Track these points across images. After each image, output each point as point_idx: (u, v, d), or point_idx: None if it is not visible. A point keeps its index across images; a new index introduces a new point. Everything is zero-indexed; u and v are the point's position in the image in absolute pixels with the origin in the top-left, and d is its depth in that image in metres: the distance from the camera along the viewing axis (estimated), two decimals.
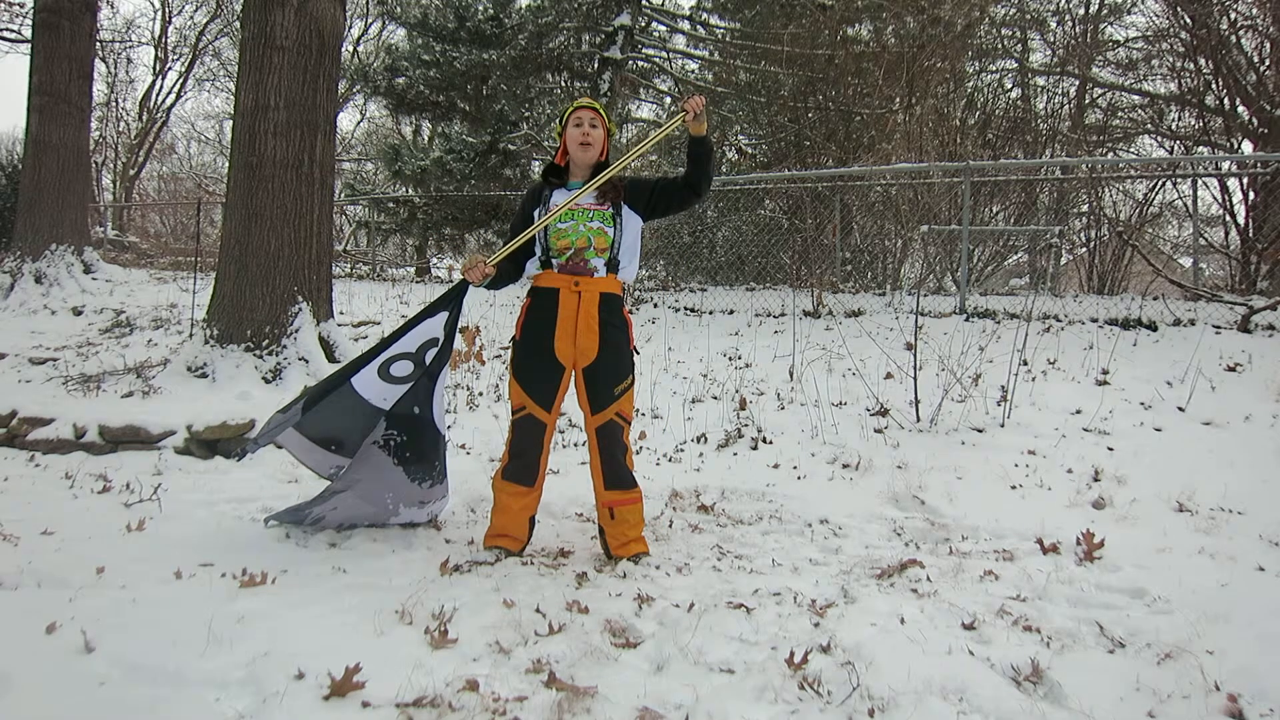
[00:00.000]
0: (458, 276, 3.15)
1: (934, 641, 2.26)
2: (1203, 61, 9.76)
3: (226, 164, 9.69)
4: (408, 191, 12.31)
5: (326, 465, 3.23)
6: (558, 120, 3.19)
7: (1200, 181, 8.50)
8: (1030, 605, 2.58)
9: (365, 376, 3.06)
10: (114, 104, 24.44)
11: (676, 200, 3.12)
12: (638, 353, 3.15)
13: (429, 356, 3.06)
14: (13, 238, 8.84)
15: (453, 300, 3.08)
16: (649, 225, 3.41)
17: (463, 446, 4.57)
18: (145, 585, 2.51)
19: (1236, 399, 4.63)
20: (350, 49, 22.91)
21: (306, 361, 5.15)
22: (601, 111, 3.13)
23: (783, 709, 1.93)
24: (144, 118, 24.68)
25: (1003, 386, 4.68)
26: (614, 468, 3.03)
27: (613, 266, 3.03)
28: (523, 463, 3.03)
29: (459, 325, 3.13)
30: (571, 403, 3.21)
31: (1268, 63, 9.65)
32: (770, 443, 4.58)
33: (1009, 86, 12.25)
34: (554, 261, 3.01)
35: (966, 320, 6.25)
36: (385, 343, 3.09)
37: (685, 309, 7.48)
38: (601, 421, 3.01)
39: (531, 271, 3.11)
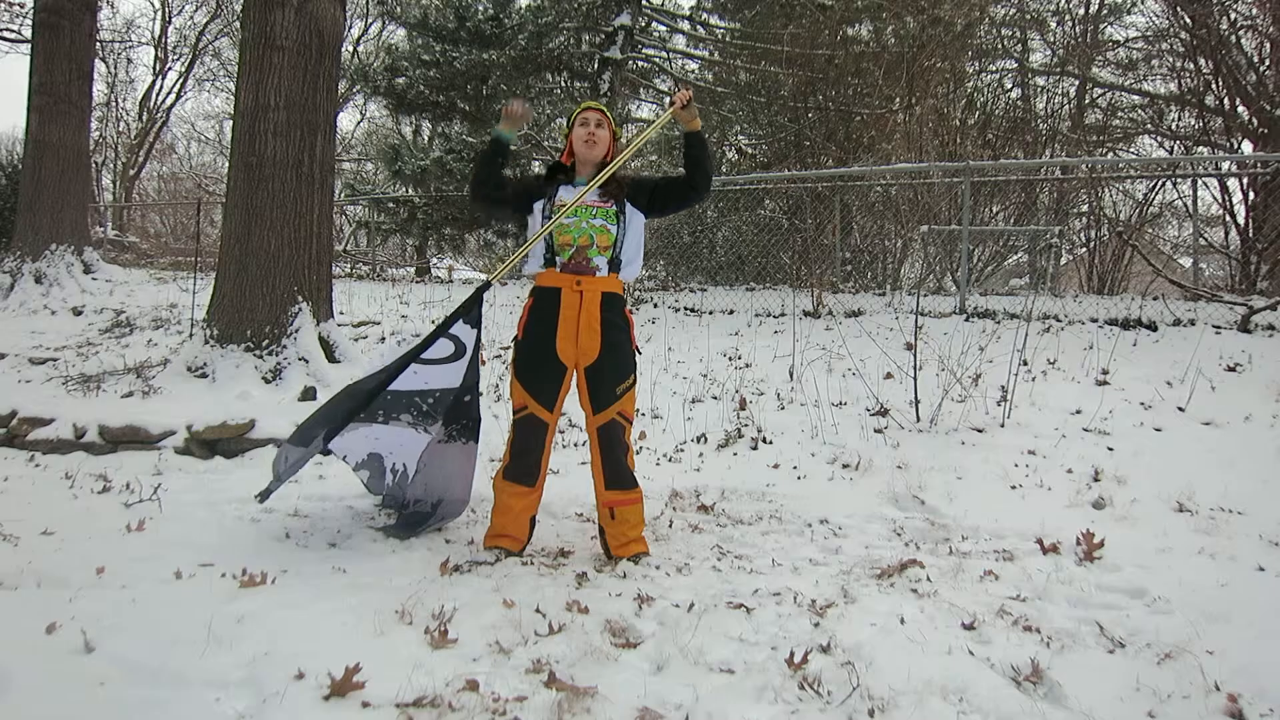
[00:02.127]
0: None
1: (934, 641, 2.26)
2: (1203, 61, 9.75)
3: (226, 164, 9.69)
4: (408, 191, 12.30)
5: (306, 456, 3.13)
6: (565, 119, 3.21)
7: (1200, 181, 8.52)
8: (1030, 605, 2.58)
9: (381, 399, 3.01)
10: (114, 104, 24.47)
11: (676, 198, 3.16)
12: (639, 352, 3.16)
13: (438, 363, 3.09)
14: (13, 238, 8.84)
15: (471, 308, 3.10)
16: (649, 225, 3.44)
17: None
18: (145, 585, 2.51)
19: (1236, 399, 4.63)
20: (350, 49, 22.91)
21: (306, 361, 5.15)
22: (608, 114, 3.17)
23: (783, 709, 1.93)
24: (144, 118, 24.68)
25: (1003, 386, 4.68)
26: (615, 468, 3.03)
27: (615, 265, 3.03)
28: (524, 463, 3.04)
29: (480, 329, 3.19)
30: (571, 402, 3.21)
31: (1268, 63, 9.64)
32: (770, 443, 4.58)
33: (1009, 86, 12.27)
34: (556, 260, 3.02)
35: (966, 320, 6.25)
36: (402, 364, 3.00)
37: (685, 309, 7.47)
38: (603, 421, 3.01)
39: (534, 270, 3.11)
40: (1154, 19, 11.34)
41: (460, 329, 3.09)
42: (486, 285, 3.13)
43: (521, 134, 11.17)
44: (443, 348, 3.08)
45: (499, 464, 3.16)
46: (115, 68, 24.38)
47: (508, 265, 3.06)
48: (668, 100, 3.09)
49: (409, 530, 3.19)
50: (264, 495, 3.05)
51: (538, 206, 3.09)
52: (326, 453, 3.06)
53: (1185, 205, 9.02)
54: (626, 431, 3.07)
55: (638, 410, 4.85)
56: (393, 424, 3.07)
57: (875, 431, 4.61)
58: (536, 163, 11.90)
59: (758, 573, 2.90)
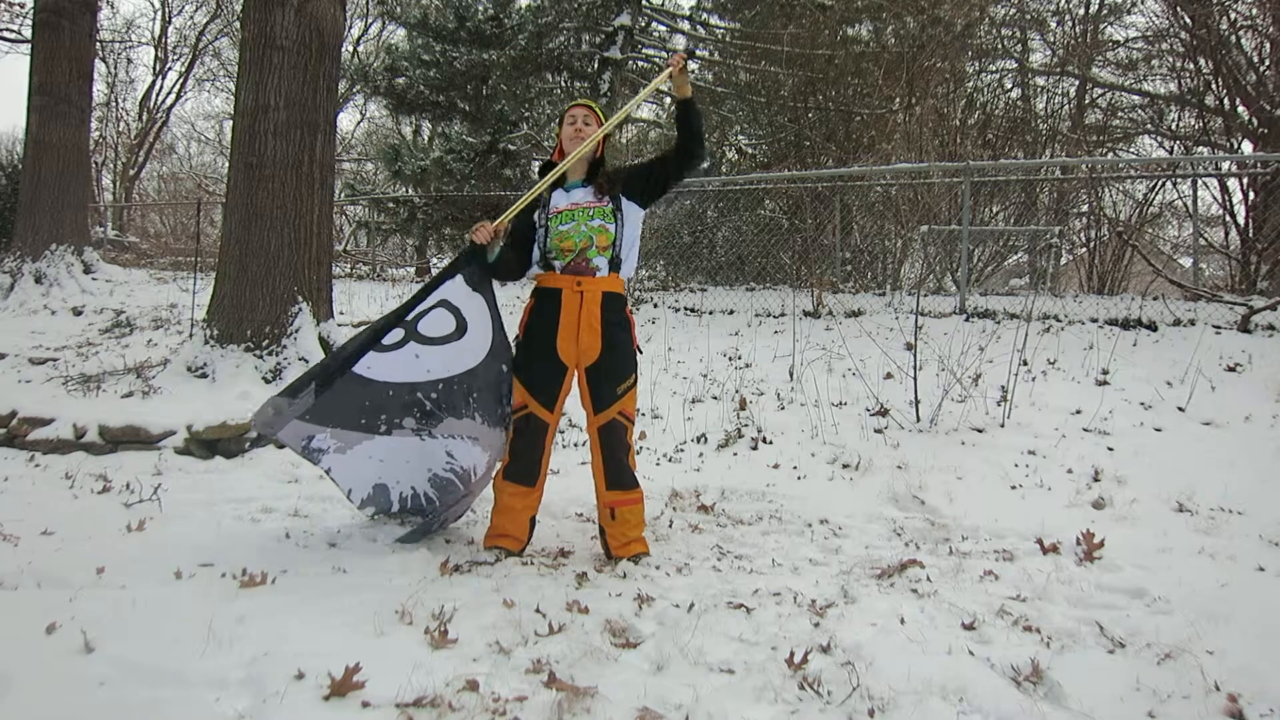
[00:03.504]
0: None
1: (934, 641, 2.26)
2: (1203, 61, 9.76)
3: (226, 164, 9.71)
4: (408, 191, 12.30)
5: (300, 436, 2.97)
6: (557, 121, 3.20)
7: (1200, 181, 8.50)
8: (1030, 605, 2.58)
9: (365, 360, 2.91)
10: (114, 104, 24.46)
11: (673, 169, 3.11)
12: (640, 351, 3.16)
13: (423, 325, 2.94)
14: (13, 238, 8.83)
15: (463, 266, 2.98)
16: (648, 225, 3.43)
17: None
18: (145, 585, 2.51)
19: (1236, 399, 4.63)
20: (350, 49, 22.91)
21: (306, 362, 5.14)
22: (596, 109, 3.15)
23: (783, 709, 1.93)
24: (144, 118, 24.69)
25: (1003, 386, 4.68)
26: (616, 468, 3.03)
27: (615, 265, 3.04)
28: (525, 463, 3.04)
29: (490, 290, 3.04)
30: (571, 402, 3.21)
31: (1268, 63, 9.65)
32: (770, 443, 4.58)
33: (1009, 86, 12.26)
34: (555, 263, 3.02)
35: (966, 320, 6.25)
36: (385, 326, 2.94)
37: (685, 309, 7.47)
38: (604, 421, 3.01)
39: (533, 271, 3.11)
40: (1154, 19, 11.36)
41: (457, 294, 2.95)
42: (473, 249, 3.00)
43: (521, 134, 11.17)
44: (441, 321, 2.94)
45: (499, 464, 3.16)
46: (115, 68, 24.41)
47: (502, 220, 3.03)
48: (665, 62, 3.01)
49: (423, 528, 3.15)
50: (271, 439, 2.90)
51: (536, 216, 3.07)
52: (317, 464, 3.01)
53: (1185, 205, 9.01)
54: (628, 431, 3.07)
55: (638, 410, 4.86)
56: (395, 434, 2.97)
57: (875, 431, 4.61)
58: (536, 162, 11.90)
59: (758, 573, 2.90)
